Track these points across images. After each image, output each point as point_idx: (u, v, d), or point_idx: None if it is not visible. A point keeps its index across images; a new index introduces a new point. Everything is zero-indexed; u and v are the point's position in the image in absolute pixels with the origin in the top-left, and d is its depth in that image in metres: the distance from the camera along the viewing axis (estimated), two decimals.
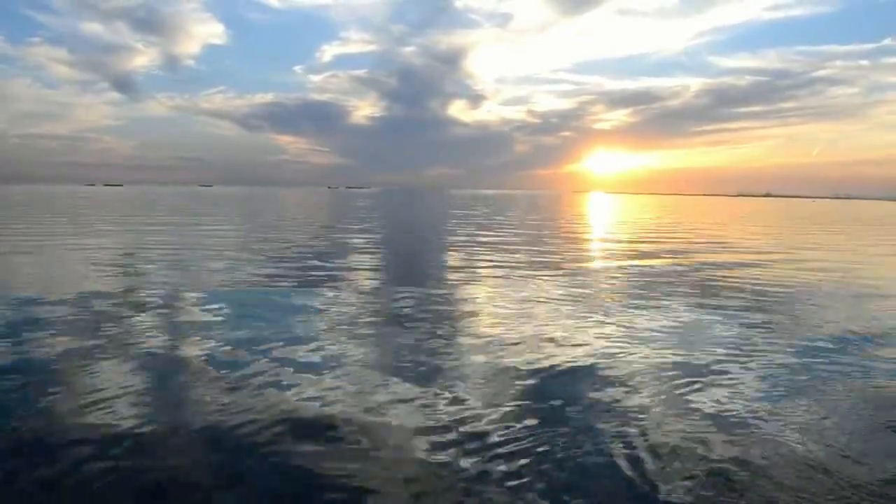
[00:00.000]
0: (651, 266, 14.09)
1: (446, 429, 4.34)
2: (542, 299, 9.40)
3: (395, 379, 5.45)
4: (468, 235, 23.00)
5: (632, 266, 14.07)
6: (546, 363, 5.92)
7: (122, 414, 4.54)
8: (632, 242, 20.97)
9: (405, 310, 8.44)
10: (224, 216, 34.65)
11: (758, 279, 12.18)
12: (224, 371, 5.58)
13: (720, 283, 11.48)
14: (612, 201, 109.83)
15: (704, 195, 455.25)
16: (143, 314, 7.91)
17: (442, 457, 3.91)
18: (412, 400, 4.89)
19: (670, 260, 15.40)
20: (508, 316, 8.14)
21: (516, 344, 6.59)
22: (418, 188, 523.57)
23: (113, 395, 4.90)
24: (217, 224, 27.69)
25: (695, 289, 10.74)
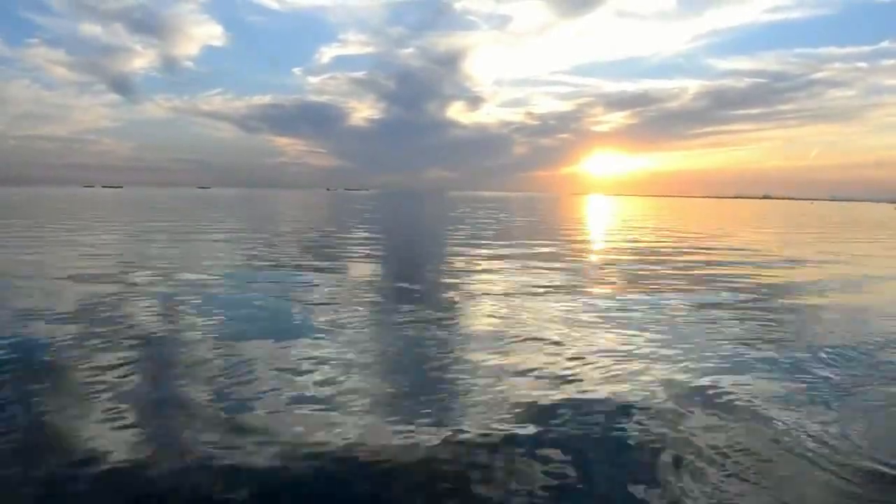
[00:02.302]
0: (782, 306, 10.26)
1: None
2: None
3: None
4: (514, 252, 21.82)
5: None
6: None
7: None
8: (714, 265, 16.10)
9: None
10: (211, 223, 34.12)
11: None
12: None
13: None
14: (617, 204, 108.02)
15: (702, 197, 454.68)
16: None
17: None
18: None
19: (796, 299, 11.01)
20: None
21: None
22: (417, 190, 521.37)
23: None
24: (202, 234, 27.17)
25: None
